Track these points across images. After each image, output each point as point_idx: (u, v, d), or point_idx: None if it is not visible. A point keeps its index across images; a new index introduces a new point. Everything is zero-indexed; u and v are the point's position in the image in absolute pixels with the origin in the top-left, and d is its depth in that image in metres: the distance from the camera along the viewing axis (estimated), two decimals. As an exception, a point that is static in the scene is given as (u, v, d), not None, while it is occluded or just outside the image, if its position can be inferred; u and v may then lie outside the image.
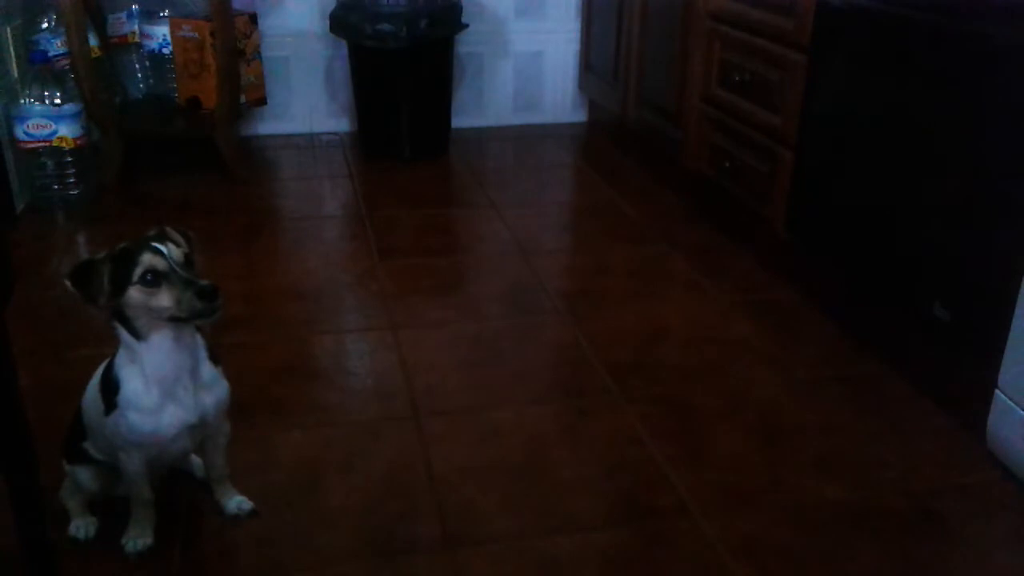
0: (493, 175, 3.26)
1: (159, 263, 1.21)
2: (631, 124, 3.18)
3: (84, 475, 1.43)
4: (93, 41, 2.91)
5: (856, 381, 1.91)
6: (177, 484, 1.55)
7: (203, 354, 1.34)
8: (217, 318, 1.22)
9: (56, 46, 2.83)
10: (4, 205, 2.64)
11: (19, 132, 2.69)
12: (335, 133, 3.59)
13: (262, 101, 3.35)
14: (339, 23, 3.18)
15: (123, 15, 3.14)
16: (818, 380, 1.92)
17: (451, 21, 3.21)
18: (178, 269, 1.22)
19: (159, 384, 1.28)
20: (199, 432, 1.38)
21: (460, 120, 3.56)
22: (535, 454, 1.67)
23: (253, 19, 3.20)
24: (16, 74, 2.76)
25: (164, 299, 1.21)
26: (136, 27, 3.15)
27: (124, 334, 1.26)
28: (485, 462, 1.64)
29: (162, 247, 1.22)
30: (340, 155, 3.38)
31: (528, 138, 3.64)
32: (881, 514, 1.53)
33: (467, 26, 3.29)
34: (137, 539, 1.40)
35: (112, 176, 2.97)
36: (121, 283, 1.21)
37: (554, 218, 2.92)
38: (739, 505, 1.54)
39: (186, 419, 1.32)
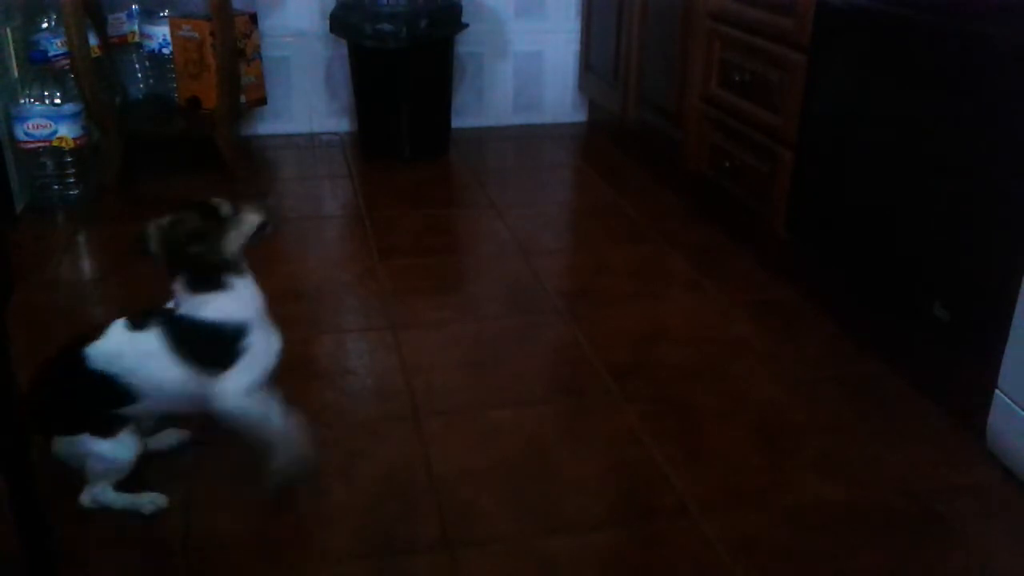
0: (493, 175, 3.26)
1: (223, 205, 1.42)
2: (631, 124, 3.18)
3: (130, 442, 1.46)
4: (93, 41, 2.91)
5: (856, 381, 1.91)
6: (176, 481, 1.55)
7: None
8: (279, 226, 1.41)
9: (56, 46, 2.83)
10: (4, 205, 2.64)
11: (19, 132, 2.69)
12: (335, 133, 3.59)
13: (262, 101, 3.35)
14: (339, 23, 3.18)
15: (123, 15, 3.14)
16: (818, 380, 1.92)
17: (451, 21, 3.21)
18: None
19: (261, 314, 1.45)
20: None
21: (460, 120, 3.56)
22: (535, 454, 1.67)
23: (253, 19, 3.20)
24: (16, 74, 2.76)
25: (254, 217, 1.44)
26: (136, 27, 3.15)
27: (231, 279, 1.41)
28: (485, 462, 1.64)
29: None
30: (340, 155, 3.38)
31: (528, 138, 3.64)
32: (881, 514, 1.53)
33: (467, 26, 3.29)
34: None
35: (112, 176, 2.97)
36: (215, 233, 1.41)
37: (554, 218, 2.92)
38: (739, 505, 1.54)
39: (280, 344, 1.49)
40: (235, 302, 1.40)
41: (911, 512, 1.53)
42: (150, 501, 1.49)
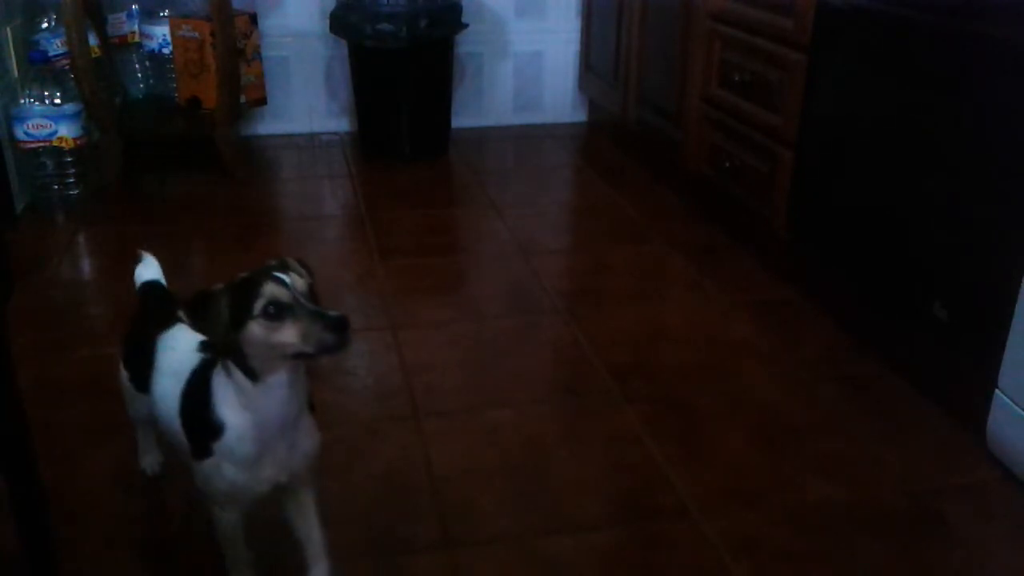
0: (493, 175, 3.26)
1: (282, 294, 1.07)
2: (631, 124, 3.18)
3: (144, 404, 1.36)
4: (93, 41, 2.91)
5: (856, 381, 1.91)
6: (176, 480, 1.55)
7: (306, 399, 1.18)
8: (346, 352, 1.13)
9: (56, 46, 2.83)
10: (4, 205, 2.64)
11: (19, 132, 2.69)
12: (335, 133, 3.59)
13: (262, 101, 3.35)
14: (339, 23, 3.18)
15: (123, 15, 3.14)
16: (818, 380, 1.92)
17: (451, 21, 3.21)
18: (303, 301, 1.08)
19: (263, 432, 1.14)
20: (282, 490, 1.24)
21: (460, 120, 3.56)
22: (535, 454, 1.67)
23: (253, 19, 3.20)
24: (16, 74, 2.76)
25: (288, 334, 1.06)
26: (136, 27, 3.15)
27: (237, 374, 1.11)
28: (485, 462, 1.64)
29: (285, 276, 1.09)
30: (340, 155, 3.38)
31: (528, 138, 3.64)
32: (881, 514, 1.53)
33: (467, 26, 3.29)
34: None
35: (112, 176, 2.97)
36: (241, 316, 1.07)
37: (554, 218, 2.92)
38: (739, 505, 1.54)
39: (277, 475, 1.18)
40: (235, 400, 1.13)
41: (911, 512, 1.53)
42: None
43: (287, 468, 1.18)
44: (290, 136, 3.56)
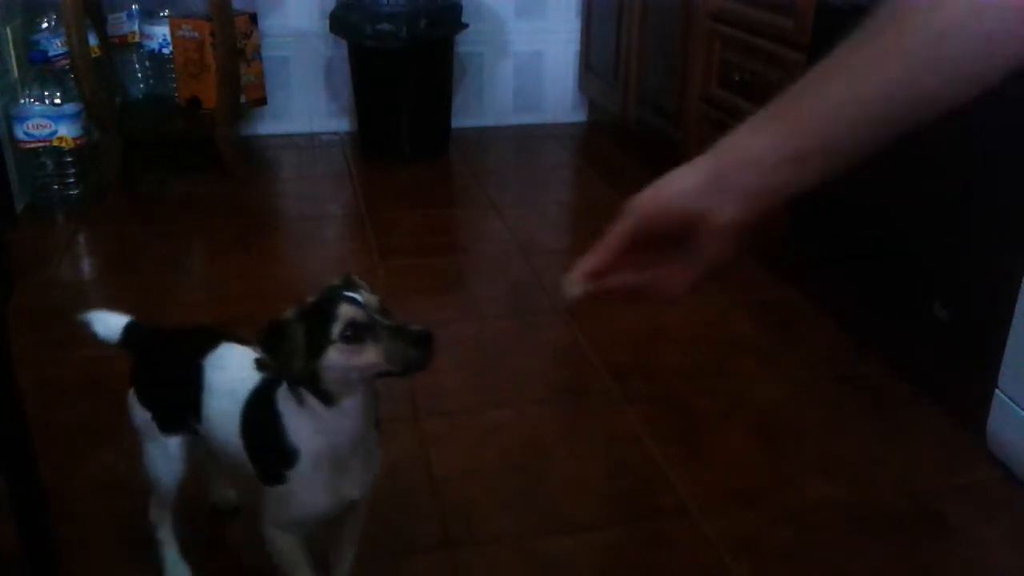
0: (493, 175, 3.26)
1: (359, 314, 1.00)
2: (631, 124, 3.18)
3: (177, 448, 1.25)
4: (93, 41, 2.91)
5: (856, 381, 1.91)
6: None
7: (375, 415, 1.14)
8: (429, 366, 1.03)
9: (56, 46, 2.83)
10: (4, 205, 2.64)
11: (19, 132, 2.69)
12: (335, 133, 3.59)
13: (262, 101, 3.35)
14: (339, 23, 3.18)
15: (123, 15, 3.14)
16: (818, 380, 1.92)
17: (451, 21, 3.21)
18: (380, 318, 1.02)
19: (338, 454, 1.09)
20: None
21: (460, 120, 3.56)
22: (535, 454, 1.67)
23: (253, 19, 3.20)
24: (16, 74, 2.76)
25: (370, 355, 1.00)
26: (136, 27, 3.15)
27: (311, 399, 1.04)
28: (485, 462, 1.64)
29: (356, 295, 1.02)
30: (340, 155, 3.38)
31: (528, 138, 3.64)
32: (881, 514, 1.52)
33: (467, 26, 3.29)
34: None
35: (112, 176, 2.97)
36: (319, 344, 1.00)
37: (554, 218, 2.92)
38: (739, 505, 1.54)
39: (351, 494, 1.13)
40: (307, 425, 1.07)
41: (911, 512, 1.53)
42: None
43: (362, 485, 1.14)
44: (290, 136, 3.56)
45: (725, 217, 0.66)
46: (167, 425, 1.24)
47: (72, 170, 2.78)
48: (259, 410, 1.11)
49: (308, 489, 1.09)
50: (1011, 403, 1.58)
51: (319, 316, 1.01)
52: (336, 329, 0.99)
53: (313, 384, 1.03)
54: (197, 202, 2.90)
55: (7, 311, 1.10)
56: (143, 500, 1.32)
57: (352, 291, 1.02)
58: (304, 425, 1.06)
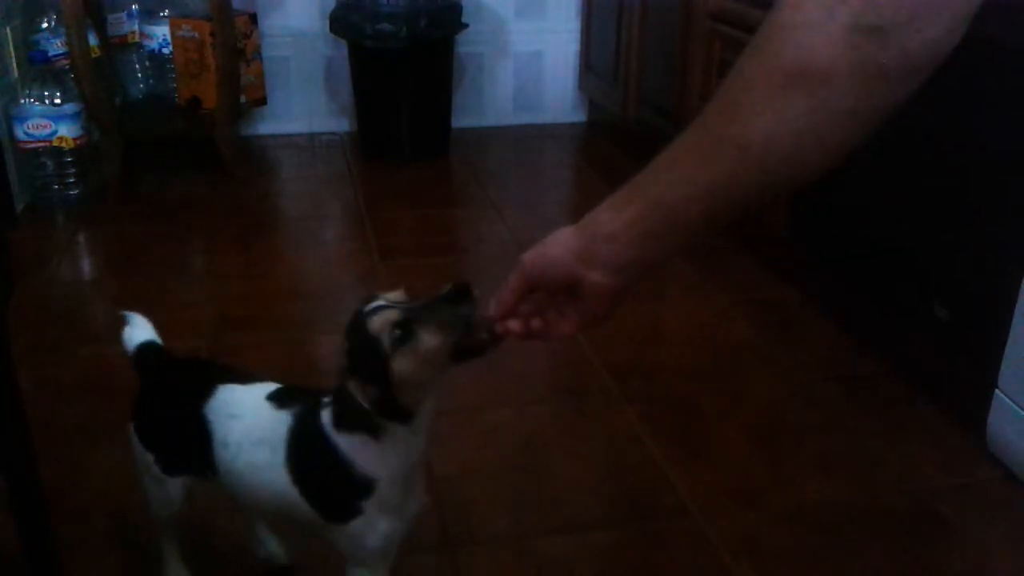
0: (493, 175, 3.26)
1: (391, 314, 0.94)
2: (631, 124, 3.18)
3: (179, 488, 1.21)
4: (93, 41, 2.91)
5: (856, 381, 1.91)
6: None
7: None
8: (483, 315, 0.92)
9: (56, 46, 2.83)
10: (4, 205, 2.64)
11: (19, 132, 2.69)
12: (335, 133, 3.59)
13: (262, 101, 3.35)
14: (339, 23, 3.18)
15: (123, 15, 3.14)
16: (818, 380, 1.92)
17: (451, 21, 3.21)
18: (411, 304, 0.96)
19: (408, 471, 1.04)
20: None
21: (460, 120, 3.56)
22: (535, 454, 1.67)
23: (253, 19, 3.20)
24: (16, 74, 2.76)
25: (428, 339, 0.93)
26: (136, 27, 3.15)
27: (389, 425, 0.98)
28: (485, 462, 1.64)
29: (377, 302, 0.97)
30: (340, 155, 3.38)
31: (528, 138, 3.64)
32: (881, 514, 1.52)
33: (467, 26, 3.29)
34: None
35: (112, 176, 2.97)
36: (379, 369, 0.93)
37: (554, 218, 2.92)
38: (739, 505, 1.54)
39: (417, 509, 1.08)
40: (376, 448, 1.00)
41: (911, 512, 1.53)
42: None
43: (423, 495, 1.09)
44: (290, 136, 3.56)
45: (597, 283, 0.77)
46: (171, 470, 1.19)
47: (72, 170, 2.78)
48: (314, 450, 1.03)
49: (386, 515, 1.03)
50: (1011, 403, 1.58)
51: (360, 350, 0.95)
52: (385, 341, 0.93)
53: (392, 407, 0.96)
54: (197, 202, 2.90)
55: (7, 311, 1.10)
56: (143, 500, 1.32)
57: (369, 303, 0.97)
58: (380, 452, 0.99)
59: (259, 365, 1.90)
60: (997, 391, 1.61)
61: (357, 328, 0.95)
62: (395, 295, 0.98)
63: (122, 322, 1.26)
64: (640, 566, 1.41)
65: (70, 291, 2.34)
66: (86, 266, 2.54)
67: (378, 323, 0.93)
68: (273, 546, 1.37)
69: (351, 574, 1.09)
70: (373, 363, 0.93)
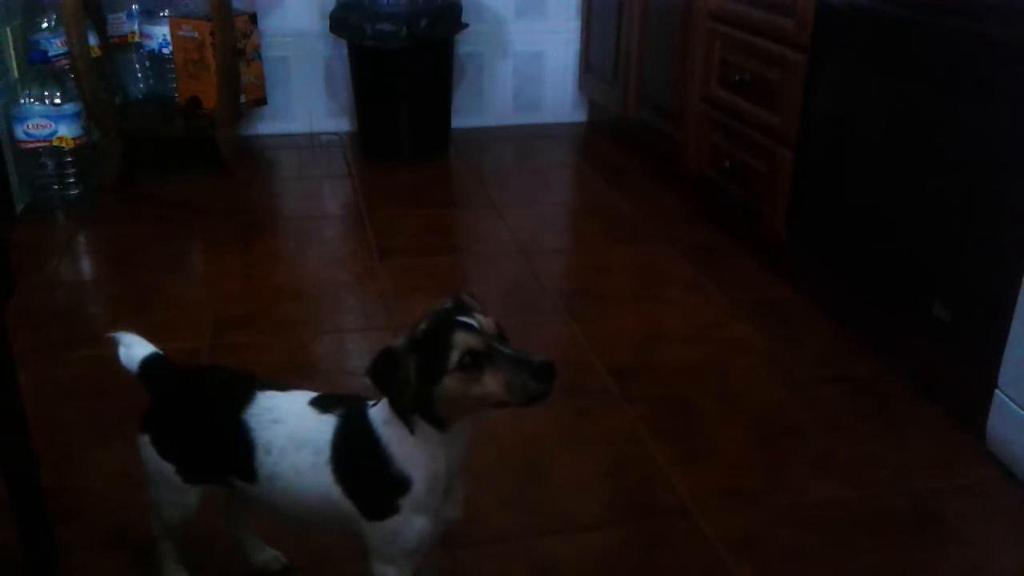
0: (493, 175, 3.26)
1: (477, 342, 0.97)
2: (631, 124, 3.18)
3: (197, 497, 1.22)
4: (93, 41, 2.91)
5: (856, 381, 1.91)
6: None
7: None
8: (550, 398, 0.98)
9: (56, 46, 2.83)
10: (4, 205, 2.64)
11: (19, 132, 2.69)
12: (335, 133, 3.59)
13: (262, 101, 3.35)
14: (339, 23, 3.18)
15: (123, 15, 3.14)
16: (818, 380, 1.92)
17: (451, 21, 3.21)
18: (500, 346, 0.99)
19: (447, 474, 1.07)
20: None
21: (460, 120, 3.56)
22: (535, 453, 1.67)
23: (253, 19, 3.20)
24: (16, 74, 2.76)
25: (489, 385, 0.97)
26: (136, 27, 3.15)
27: (422, 424, 1.02)
28: (485, 462, 1.64)
29: (472, 321, 1.00)
30: (340, 155, 3.38)
31: (528, 138, 3.64)
32: (881, 514, 1.53)
33: (467, 26, 3.29)
34: None
35: (112, 176, 2.97)
36: (434, 373, 0.97)
37: (554, 218, 2.92)
38: (739, 505, 1.54)
39: (453, 515, 1.12)
40: (418, 449, 1.04)
41: (911, 512, 1.53)
42: None
43: (460, 504, 1.12)
44: (290, 136, 3.56)
45: None
46: (194, 478, 1.20)
47: (72, 170, 2.78)
48: (358, 447, 1.07)
49: (422, 516, 1.06)
50: (1011, 403, 1.58)
51: (434, 345, 0.98)
52: (453, 358, 0.96)
53: (426, 410, 1.00)
54: (197, 202, 2.90)
55: (7, 311, 1.10)
56: (143, 500, 1.32)
57: (465, 315, 1.00)
58: (415, 451, 1.03)
59: (259, 365, 1.91)
60: (997, 391, 1.62)
61: (444, 327, 0.99)
62: (488, 323, 1.01)
63: (114, 344, 1.24)
64: (640, 566, 1.41)
65: (70, 291, 2.34)
66: (86, 266, 2.54)
67: (461, 339, 0.97)
68: (267, 555, 1.38)
69: (377, 571, 1.12)
70: (434, 363, 0.97)
